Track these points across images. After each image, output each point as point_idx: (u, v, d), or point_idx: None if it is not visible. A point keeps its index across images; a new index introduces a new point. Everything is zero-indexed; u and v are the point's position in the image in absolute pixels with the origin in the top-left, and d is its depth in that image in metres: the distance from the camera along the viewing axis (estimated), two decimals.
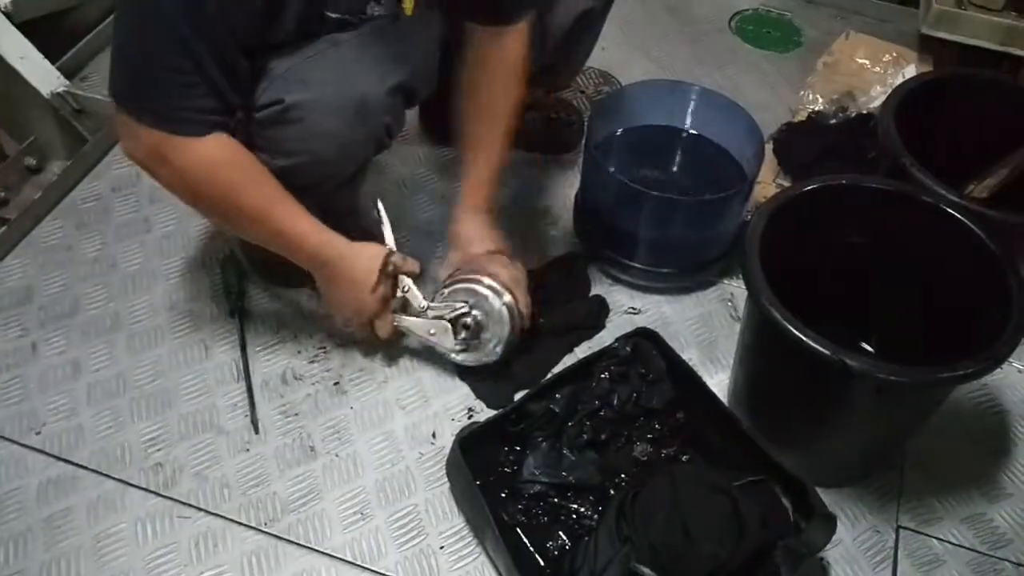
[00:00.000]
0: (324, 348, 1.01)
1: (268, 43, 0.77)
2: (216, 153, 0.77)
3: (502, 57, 0.93)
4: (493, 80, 0.94)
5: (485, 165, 0.96)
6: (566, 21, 1.02)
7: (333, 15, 0.79)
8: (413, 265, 0.92)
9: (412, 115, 1.30)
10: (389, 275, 0.89)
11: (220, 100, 0.75)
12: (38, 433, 0.93)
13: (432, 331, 0.92)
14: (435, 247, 1.13)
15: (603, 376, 0.90)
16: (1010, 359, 0.75)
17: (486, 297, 0.90)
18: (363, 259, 0.88)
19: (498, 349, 0.92)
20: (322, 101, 0.78)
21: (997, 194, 0.99)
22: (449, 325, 0.91)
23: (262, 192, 0.81)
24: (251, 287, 1.07)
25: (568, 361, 1.00)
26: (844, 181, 0.87)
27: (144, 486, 0.88)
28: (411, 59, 0.85)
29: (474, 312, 0.90)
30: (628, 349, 0.90)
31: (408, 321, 0.92)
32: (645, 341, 0.91)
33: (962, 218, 0.82)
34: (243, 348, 1.00)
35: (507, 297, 0.90)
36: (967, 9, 1.25)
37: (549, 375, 0.95)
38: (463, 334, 0.91)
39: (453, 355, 0.94)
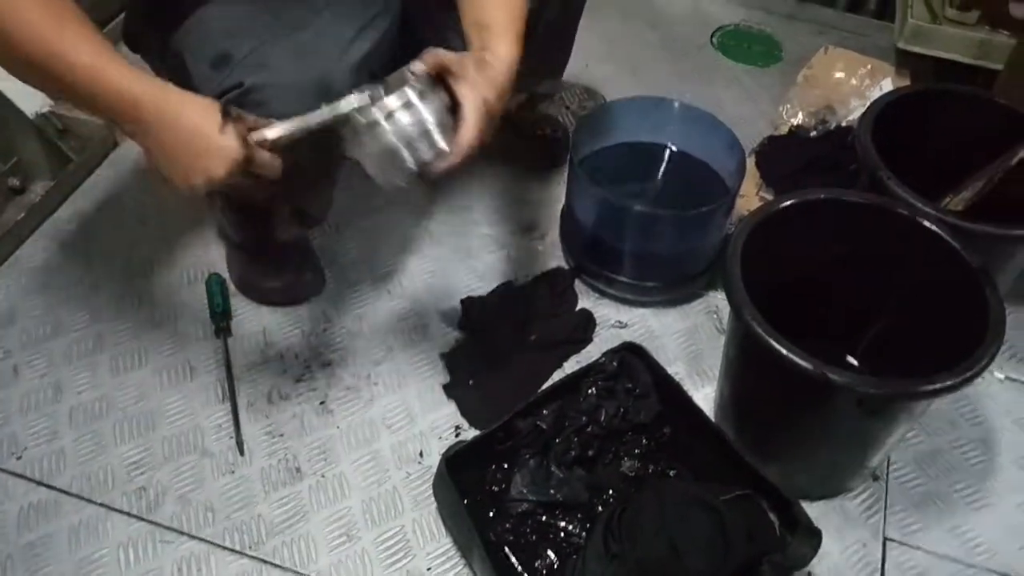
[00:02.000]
0: (309, 367, 1.01)
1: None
2: None
3: None
4: None
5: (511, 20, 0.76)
6: None
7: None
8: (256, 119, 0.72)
9: None
10: (232, 119, 0.70)
11: None
12: (19, 458, 0.92)
13: (326, 106, 0.70)
14: (432, 245, 1.13)
15: (590, 392, 0.90)
16: (991, 368, 0.76)
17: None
18: (197, 101, 0.70)
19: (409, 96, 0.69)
20: (281, 82, 0.76)
21: (973, 206, 1.01)
22: (350, 96, 0.70)
23: (43, 10, 0.64)
24: (236, 307, 1.06)
25: (555, 377, 1.00)
26: (823, 195, 0.88)
27: (127, 510, 0.87)
28: (372, 37, 0.82)
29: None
30: (615, 364, 0.91)
31: (296, 122, 0.71)
32: (631, 356, 0.91)
33: (939, 231, 0.83)
34: (228, 368, 0.99)
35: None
36: (942, 24, 1.27)
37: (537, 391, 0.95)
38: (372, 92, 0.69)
39: (362, 119, 0.70)
